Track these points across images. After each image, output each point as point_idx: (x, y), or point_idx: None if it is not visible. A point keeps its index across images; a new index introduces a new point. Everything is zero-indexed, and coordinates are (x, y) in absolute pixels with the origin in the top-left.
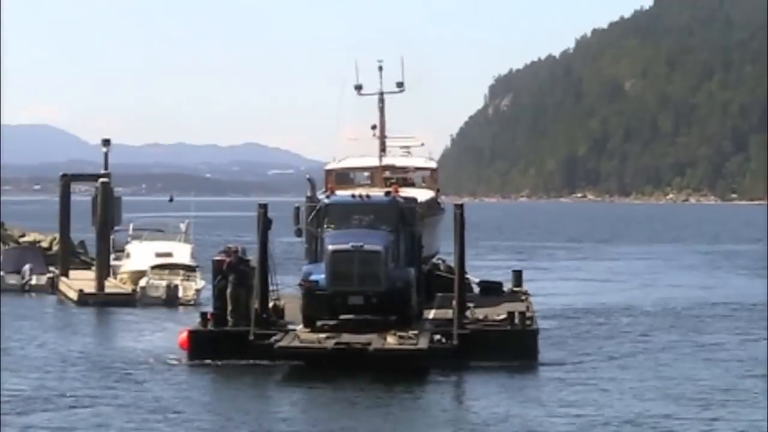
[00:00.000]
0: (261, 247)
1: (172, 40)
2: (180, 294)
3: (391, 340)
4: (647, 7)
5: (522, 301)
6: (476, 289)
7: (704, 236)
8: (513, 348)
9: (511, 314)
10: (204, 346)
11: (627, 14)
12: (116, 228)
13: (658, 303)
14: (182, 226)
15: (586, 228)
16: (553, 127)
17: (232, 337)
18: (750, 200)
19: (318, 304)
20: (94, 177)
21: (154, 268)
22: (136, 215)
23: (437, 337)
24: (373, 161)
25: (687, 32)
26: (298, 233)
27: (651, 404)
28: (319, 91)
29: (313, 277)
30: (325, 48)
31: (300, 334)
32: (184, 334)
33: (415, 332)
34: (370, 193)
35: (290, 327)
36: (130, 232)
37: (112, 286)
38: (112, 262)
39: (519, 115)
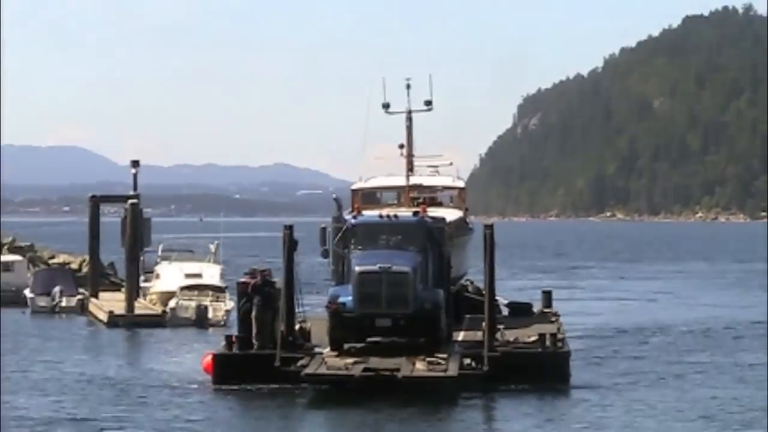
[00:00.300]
0: (287, 268)
1: (203, 60)
2: (210, 315)
3: (420, 366)
4: (675, 26)
5: (552, 322)
6: (505, 311)
7: (738, 254)
8: (544, 371)
9: (542, 336)
10: (229, 370)
11: (655, 33)
12: (145, 249)
13: (693, 322)
14: (212, 247)
15: (617, 247)
16: (582, 146)
17: (258, 361)
18: None
19: (345, 327)
20: (124, 198)
21: (183, 289)
22: (166, 236)
23: (467, 361)
24: (401, 180)
25: (715, 50)
26: (325, 254)
27: (685, 426)
28: (348, 111)
29: (340, 300)
30: (354, 66)
31: (327, 359)
32: (209, 358)
33: (444, 356)
34: (398, 213)
35: (317, 350)
36: (160, 253)
37: (141, 307)
38: (142, 284)
39: (547, 134)
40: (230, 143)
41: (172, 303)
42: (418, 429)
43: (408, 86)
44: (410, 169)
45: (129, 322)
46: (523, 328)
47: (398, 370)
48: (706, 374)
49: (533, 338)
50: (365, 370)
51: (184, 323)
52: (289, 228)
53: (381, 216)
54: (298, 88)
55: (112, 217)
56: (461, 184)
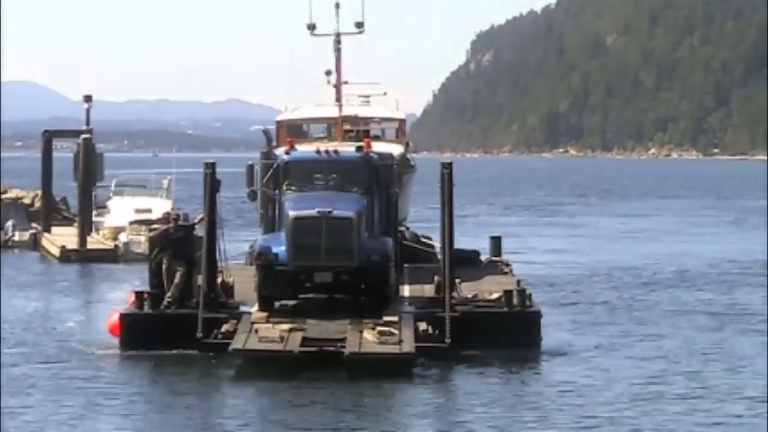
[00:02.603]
0: (208, 213)
1: None
2: None
3: (369, 337)
4: None
5: (505, 273)
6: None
7: (704, 191)
8: (512, 334)
9: (508, 293)
10: (139, 333)
11: None
12: (98, 184)
13: (676, 265)
14: (164, 182)
15: (578, 182)
16: (535, 82)
17: (174, 322)
18: (732, 155)
19: (277, 282)
20: (76, 133)
21: (132, 223)
22: (119, 171)
23: (423, 326)
24: (331, 111)
25: None
26: (252, 196)
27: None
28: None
29: (272, 250)
30: None
31: (257, 325)
32: (115, 318)
33: (395, 319)
34: (338, 149)
35: (242, 309)
36: (113, 188)
37: (94, 242)
38: (94, 219)
39: (501, 71)
40: (183, 78)
41: (122, 237)
42: (369, 414)
43: (337, 5)
44: (338, 99)
45: (81, 257)
46: (474, 281)
47: (343, 341)
48: (704, 322)
49: (496, 295)
50: (304, 341)
51: (137, 258)
52: (211, 166)
53: (318, 152)
54: (252, 22)
55: (64, 152)
56: (401, 115)
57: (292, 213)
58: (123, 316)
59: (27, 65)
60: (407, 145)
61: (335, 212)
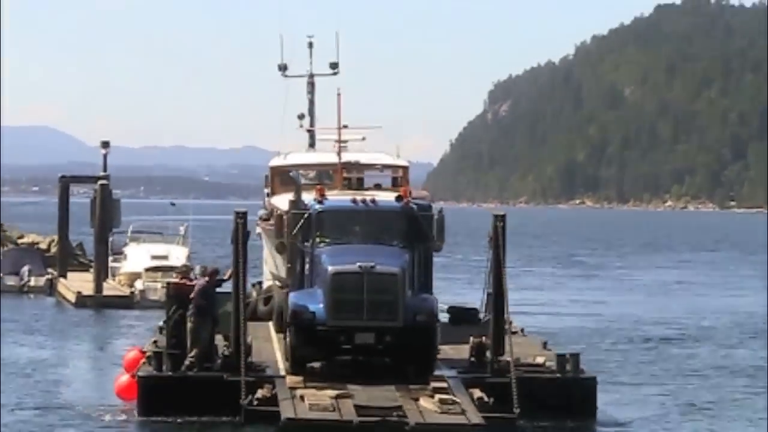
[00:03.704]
0: (236, 267)
1: (171, 42)
2: None
3: (429, 406)
4: (647, 14)
5: (515, 333)
6: (443, 317)
7: (735, 244)
8: (569, 403)
9: (561, 357)
10: (160, 397)
11: (627, 21)
12: (114, 230)
13: (717, 318)
14: (181, 229)
15: (598, 235)
16: (552, 133)
17: (199, 386)
18: (748, 208)
19: (314, 343)
20: (93, 179)
21: (148, 270)
22: (135, 218)
23: (477, 394)
24: (328, 157)
25: (687, 40)
26: (281, 249)
27: None
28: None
29: (309, 309)
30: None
31: (302, 393)
32: (124, 380)
33: (443, 386)
34: (376, 198)
35: (269, 372)
36: (129, 234)
37: (110, 288)
38: (111, 264)
39: (518, 121)
40: (199, 125)
41: (138, 284)
42: None
43: (310, 45)
44: (312, 144)
45: (97, 303)
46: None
47: (399, 410)
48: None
49: (540, 359)
50: (357, 410)
51: (152, 305)
52: (243, 216)
53: (355, 201)
54: (265, 69)
55: (81, 197)
56: (404, 162)
57: (331, 268)
58: (141, 379)
59: (44, 110)
60: (410, 194)
61: (378, 267)
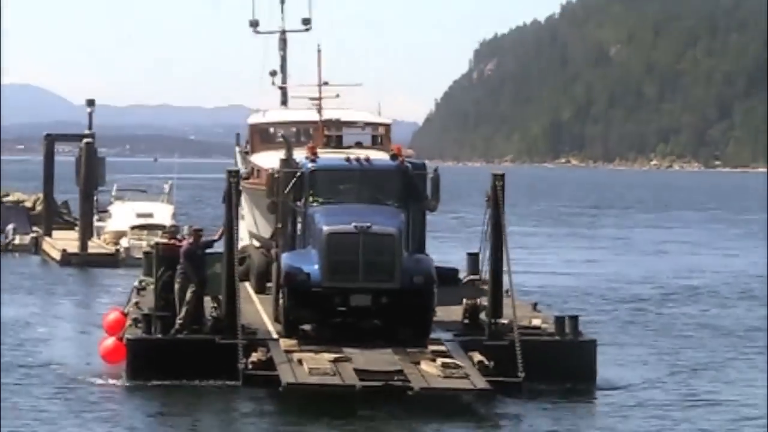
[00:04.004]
0: (228, 227)
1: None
2: None
3: (432, 370)
4: None
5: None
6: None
7: (723, 204)
8: (569, 366)
9: (560, 320)
10: (150, 361)
11: None
12: (100, 189)
13: (710, 278)
14: (165, 187)
15: (585, 194)
16: (538, 92)
17: (192, 349)
18: (734, 167)
19: (308, 306)
20: (78, 137)
21: (133, 228)
22: (120, 176)
23: (478, 358)
24: (308, 115)
25: None
26: (273, 208)
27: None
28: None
29: (303, 270)
30: None
31: (300, 357)
32: (110, 342)
33: (443, 349)
34: (370, 156)
35: (258, 333)
36: (114, 192)
37: (95, 246)
38: (96, 223)
39: (504, 80)
40: (185, 85)
41: (123, 242)
42: None
43: (282, 1)
44: (284, 101)
45: (82, 261)
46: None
47: (400, 374)
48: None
49: (536, 321)
50: (359, 373)
51: (137, 263)
52: (236, 174)
53: (348, 159)
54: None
55: (66, 156)
56: (387, 120)
57: (326, 228)
58: (130, 342)
59: (30, 69)
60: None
61: (375, 227)
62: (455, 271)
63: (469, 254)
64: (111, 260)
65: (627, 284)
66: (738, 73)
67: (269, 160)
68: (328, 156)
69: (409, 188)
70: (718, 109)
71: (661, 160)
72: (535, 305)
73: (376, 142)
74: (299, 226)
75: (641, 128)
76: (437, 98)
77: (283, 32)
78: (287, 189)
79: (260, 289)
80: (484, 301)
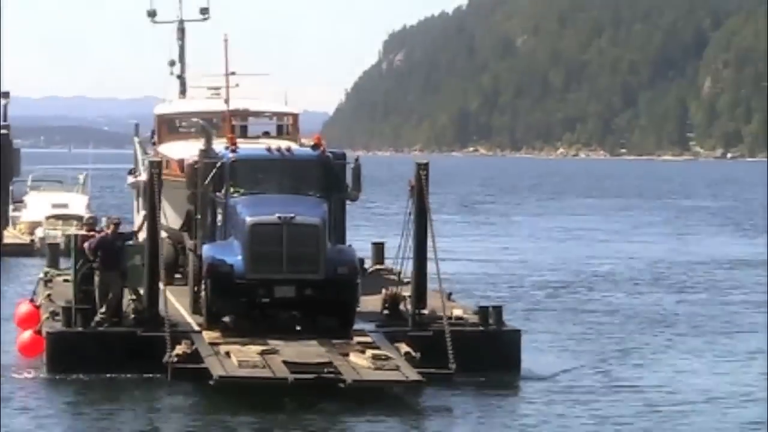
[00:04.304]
0: (151, 217)
1: None
2: None
3: (362, 362)
4: None
5: (405, 283)
6: None
7: (625, 191)
8: (493, 356)
9: (483, 309)
10: (70, 354)
11: None
12: (15, 179)
13: (624, 265)
14: (80, 178)
15: (494, 182)
16: (446, 82)
17: (114, 342)
18: (639, 155)
19: (231, 298)
20: None
21: (49, 218)
22: (36, 167)
23: (404, 349)
24: (215, 104)
25: None
26: (193, 200)
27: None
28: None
29: (226, 261)
30: None
31: (227, 349)
32: (26, 336)
33: (368, 340)
34: (291, 147)
35: (180, 326)
36: (29, 183)
37: (10, 236)
38: (11, 213)
39: (413, 71)
40: (101, 76)
41: (38, 232)
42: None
43: None
44: (183, 91)
45: None
46: (374, 294)
47: (329, 366)
48: (683, 330)
49: (457, 311)
50: (289, 366)
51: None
52: (158, 165)
53: (269, 150)
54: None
55: None
56: (296, 110)
57: (249, 219)
58: (51, 335)
59: None
60: (302, 143)
61: (298, 218)
62: (360, 260)
63: (374, 244)
64: (26, 250)
65: (539, 271)
66: (642, 62)
67: (177, 150)
68: (249, 146)
69: (330, 178)
70: (623, 98)
71: (567, 149)
72: (449, 295)
73: (283, 132)
74: (219, 216)
75: (548, 117)
76: (347, 88)
77: (181, 22)
78: (207, 179)
79: (169, 281)
80: (403, 291)
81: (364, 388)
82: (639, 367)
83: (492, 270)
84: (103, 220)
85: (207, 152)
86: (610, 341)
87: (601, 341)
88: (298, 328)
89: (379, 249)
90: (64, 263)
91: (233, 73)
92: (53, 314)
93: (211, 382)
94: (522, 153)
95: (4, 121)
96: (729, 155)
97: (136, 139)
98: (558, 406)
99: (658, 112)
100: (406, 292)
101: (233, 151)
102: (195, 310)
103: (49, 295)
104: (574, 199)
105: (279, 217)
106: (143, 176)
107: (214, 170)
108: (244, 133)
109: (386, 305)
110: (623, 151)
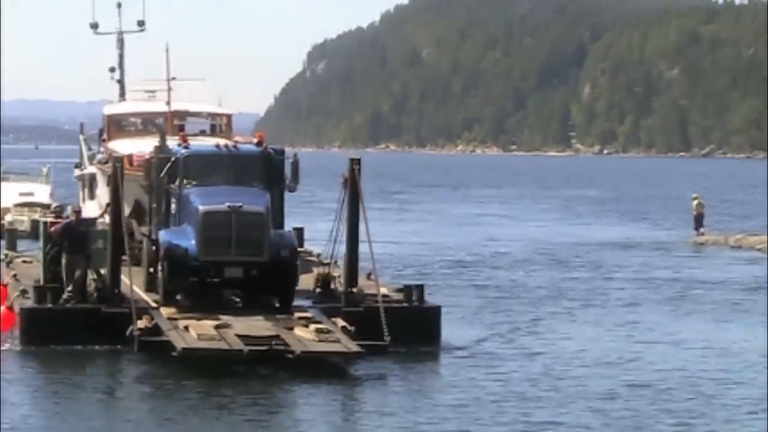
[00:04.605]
0: (114, 206)
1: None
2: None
3: (307, 335)
4: None
5: (324, 264)
6: None
7: (521, 182)
8: (417, 330)
9: (407, 288)
10: (43, 328)
11: None
12: None
13: (527, 246)
14: (44, 170)
15: (404, 175)
16: (361, 88)
17: (81, 317)
18: (527, 151)
19: (185, 278)
20: None
21: (16, 205)
22: (5, 160)
23: (341, 323)
24: (157, 106)
25: (475, 8)
26: (149, 190)
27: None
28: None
29: (181, 245)
30: None
31: (186, 324)
32: (0, 311)
33: (309, 315)
34: (237, 143)
35: (136, 302)
36: None
37: None
38: None
39: (332, 78)
40: (63, 80)
41: (7, 218)
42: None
43: (119, 5)
44: (122, 94)
45: None
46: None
47: (277, 338)
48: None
49: (384, 290)
50: (241, 338)
51: (20, 235)
52: (120, 160)
53: (218, 146)
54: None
55: None
56: (228, 111)
57: (202, 207)
58: (24, 311)
59: None
60: (236, 142)
61: (245, 207)
62: None
63: (295, 228)
64: None
65: (448, 251)
66: (531, 71)
67: (125, 147)
68: (198, 143)
69: (271, 171)
70: (514, 102)
71: (465, 146)
72: (369, 275)
73: (216, 131)
74: (173, 205)
75: (449, 118)
76: (276, 93)
77: (120, 33)
78: (162, 172)
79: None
80: (333, 272)
81: (310, 358)
82: (537, 335)
83: (406, 251)
84: (69, 208)
85: (161, 148)
86: (515, 313)
87: (506, 313)
88: (239, 305)
89: (299, 233)
90: (21, 246)
91: (174, 78)
92: (23, 292)
93: (174, 354)
94: (427, 149)
95: None
96: (605, 151)
97: (81, 137)
98: (472, 370)
99: (544, 113)
100: (335, 272)
101: (186, 147)
102: (149, 288)
103: (14, 275)
104: (476, 189)
105: (228, 206)
106: (88, 169)
107: (168, 164)
108: (181, 131)
109: (318, 284)
110: (514, 147)
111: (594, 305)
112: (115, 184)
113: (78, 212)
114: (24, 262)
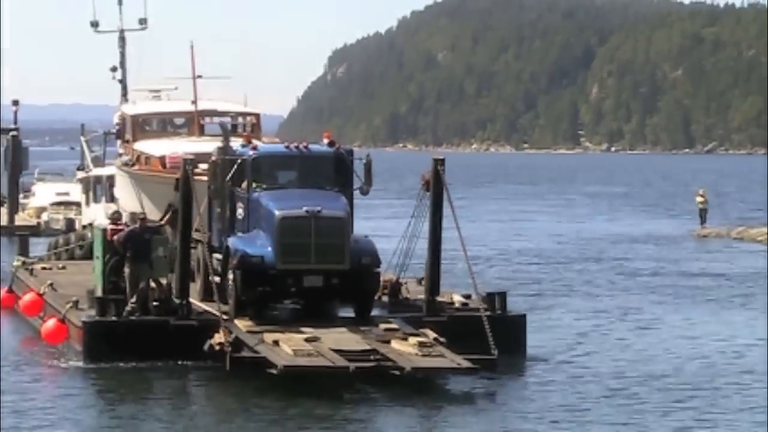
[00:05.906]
0: (184, 213)
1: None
2: (76, 226)
3: (409, 350)
4: None
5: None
6: None
7: (541, 181)
8: (503, 340)
9: (490, 296)
10: (108, 344)
11: None
12: (24, 173)
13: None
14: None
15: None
16: (380, 90)
17: (151, 331)
18: (538, 149)
19: (261, 287)
20: (6, 131)
21: (53, 204)
22: (41, 162)
23: (432, 335)
24: (182, 105)
25: (487, 13)
26: (216, 194)
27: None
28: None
29: (256, 253)
30: None
31: (276, 338)
32: (51, 323)
33: (395, 327)
34: (308, 144)
35: (202, 314)
36: (36, 176)
37: (20, 219)
38: (21, 201)
39: (352, 81)
40: (96, 84)
41: (44, 216)
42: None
43: (120, 2)
44: (124, 94)
45: (10, 232)
46: None
47: (375, 353)
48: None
49: (458, 297)
50: (342, 354)
51: (55, 233)
52: (191, 163)
53: (288, 147)
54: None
55: None
56: (257, 110)
57: (278, 212)
58: (87, 324)
59: None
60: (263, 141)
61: (325, 211)
62: None
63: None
64: (34, 230)
65: (490, 250)
66: (541, 73)
67: (156, 147)
68: (265, 143)
69: (343, 173)
70: (525, 103)
71: (480, 144)
72: (420, 281)
73: (246, 130)
74: (240, 210)
75: (463, 118)
76: (299, 96)
77: (122, 31)
78: (229, 175)
79: None
80: (402, 278)
81: (422, 376)
82: (621, 342)
83: (480, 254)
84: (125, 215)
85: (225, 150)
86: (593, 316)
87: (608, 302)
88: (301, 314)
89: None
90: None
91: (200, 76)
92: (76, 304)
93: (274, 371)
94: (442, 148)
95: (15, 124)
96: (613, 149)
97: (82, 138)
98: (563, 384)
99: (555, 113)
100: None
101: (254, 148)
102: (205, 297)
103: (51, 284)
104: (507, 186)
105: (306, 211)
106: (94, 171)
107: (235, 166)
108: (202, 132)
109: (385, 292)
110: (526, 146)
111: (671, 303)
112: (186, 187)
113: (143, 219)
114: (43, 269)
